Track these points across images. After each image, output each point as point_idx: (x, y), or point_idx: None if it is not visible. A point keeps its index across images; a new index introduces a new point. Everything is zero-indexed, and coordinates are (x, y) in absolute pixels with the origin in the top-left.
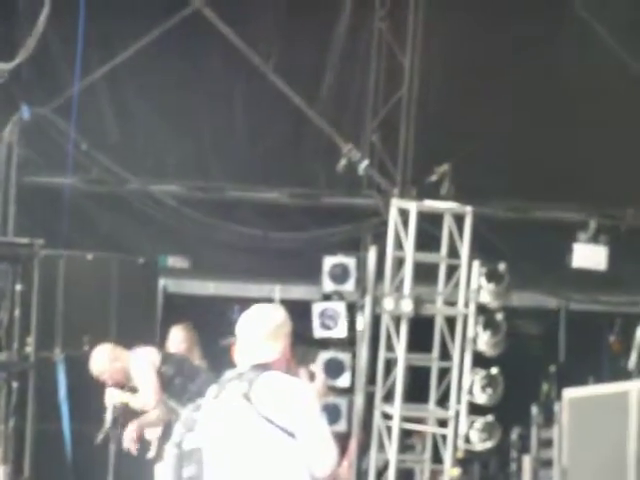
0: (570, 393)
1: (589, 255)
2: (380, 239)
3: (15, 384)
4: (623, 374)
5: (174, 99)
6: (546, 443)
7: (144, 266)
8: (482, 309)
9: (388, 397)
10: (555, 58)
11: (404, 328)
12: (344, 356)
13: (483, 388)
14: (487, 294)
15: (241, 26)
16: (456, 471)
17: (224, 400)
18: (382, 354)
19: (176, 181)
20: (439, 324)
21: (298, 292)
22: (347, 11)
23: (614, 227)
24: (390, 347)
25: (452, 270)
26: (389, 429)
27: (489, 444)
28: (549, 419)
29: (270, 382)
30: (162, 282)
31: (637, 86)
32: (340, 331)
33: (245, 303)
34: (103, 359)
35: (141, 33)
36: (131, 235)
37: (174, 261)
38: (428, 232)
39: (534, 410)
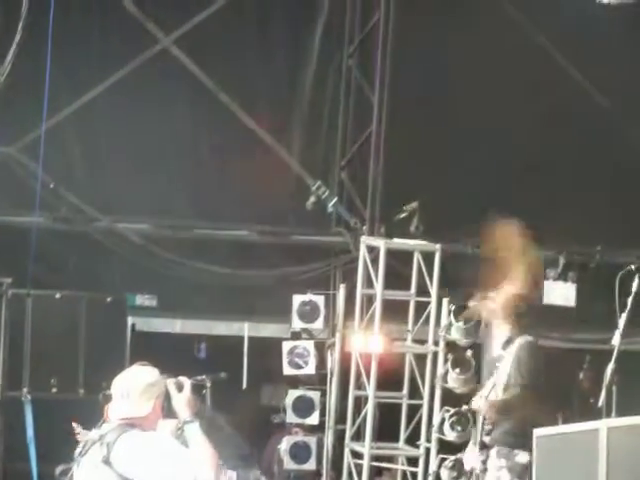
0: (539, 431)
1: (558, 292)
2: (349, 277)
3: None
4: (593, 412)
5: (142, 137)
6: None
7: (112, 304)
8: (452, 346)
9: (358, 435)
10: (525, 95)
11: (374, 366)
12: (313, 394)
13: (453, 426)
14: (457, 332)
15: (209, 65)
16: None
17: (85, 468)
18: (352, 392)
19: (144, 219)
20: (409, 362)
21: (267, 330)
22: (316, 49)
23: (583, 264)
24: (360, 385)
25: (422, 307)
26: (359, 467)
27: None
28: None
29: (128, 442)
30: (130, 320)
31: (603, 122)
32: (309, 369)
33: (214, 341)
34: None
35: (109, 72)
36: (99, 273)
37: (142, 299)
38: (397, 269)
39: None
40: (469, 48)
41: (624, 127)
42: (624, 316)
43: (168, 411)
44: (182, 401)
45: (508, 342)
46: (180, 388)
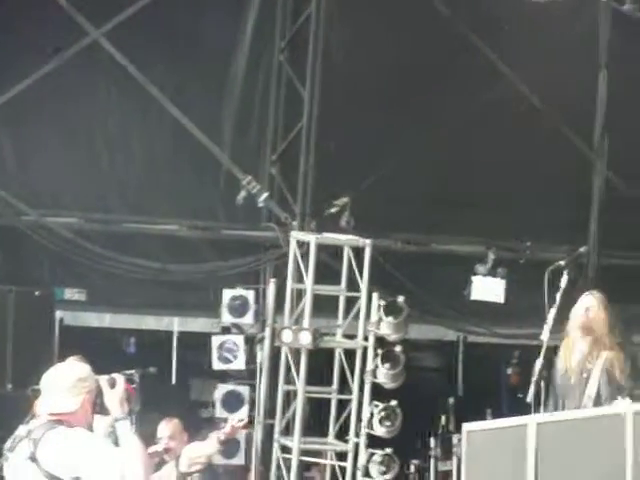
0: (468, 426)
1: (487, 288)
2: (280, 272)
3: None
4: (521, 407)
5: (72, 131)
6: (444, 476)
7: (40, 298)
8: (381, 342)
9: (287, 430)
10: (455, 90)
11: (303, 361)
12: (243, 389)
13: (382, 421)
14: (386, 327)
15: (139, 58)
16: None
17: (13, 464)
18: (281, 387)
19: (73, 213)
20: (338, 356)
21: (197, 325)
22: (247, 43)
23: (512, 260)
24: (290, 380)
25: (352, 302)
26: (288, 462)
27: (387, 477)
28: (447, 452)
29: (54, 439)
30: (59, 314)
31: (535, 119)
32: (239, 364)
33: (143, 335)
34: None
35: (39, 64)
36: (27, 267)
37: (71, 293)
38: (328, 264)
39: (432, 443)
40: (400, 43)
41: (556, 124)
42: (553, 311)
43: (101, 408)
44: (114, 398)
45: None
46: (113, 385)
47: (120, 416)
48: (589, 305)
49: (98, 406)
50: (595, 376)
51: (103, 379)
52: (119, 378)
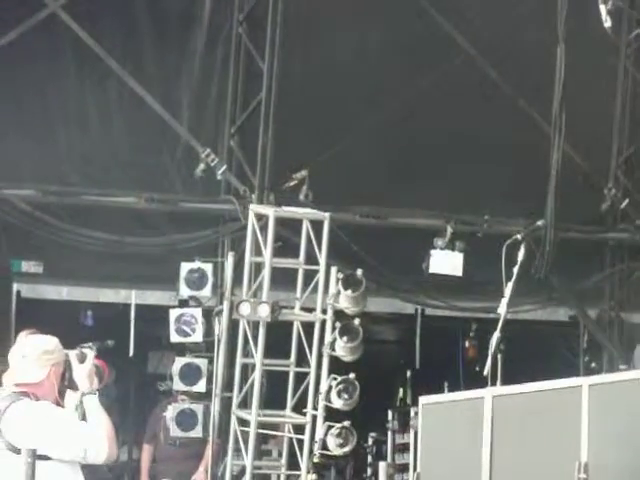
0: (425, 399)
1: (445, 261)
2: (238, 245)
3: None
4: (478, 380)
5: (29, 103)
6: (402, 449)
7: None
8: (340, 315)
9: (245, 403)
10: (417, 63)
11: (261, 334)
12: (201, 362)
13: (340, 394)
14: (345, 300)
15: (97, 30)
16: (312, 476)
17: None
18: (239, 360)
19: (30, 185)
20: (296, 330)
21: (154, 297)
22: (206, 16)
23: (471, 233)
24: (247, 353)
25: (310, 276)
26: (245, 435)
27: (345, 449)
28: (405, 425)
29: (18, 411)
30: (15, 287)
31: (492, 93)
32: (197, 337)
33: (100, 308)
34: None
35: None
36: None
37: (28, 266)
38: (286, 238)
39: (390, 416)
40: (358, 17)
41: (513, 99)
42: (510, 285)
43: (70, 382)
44: (83, 373)
45: None
46: (82, 359)
47: (87, 390)
48: None
49: (67, 380)
50: None
51: (72, 353)
52: (89, 353)
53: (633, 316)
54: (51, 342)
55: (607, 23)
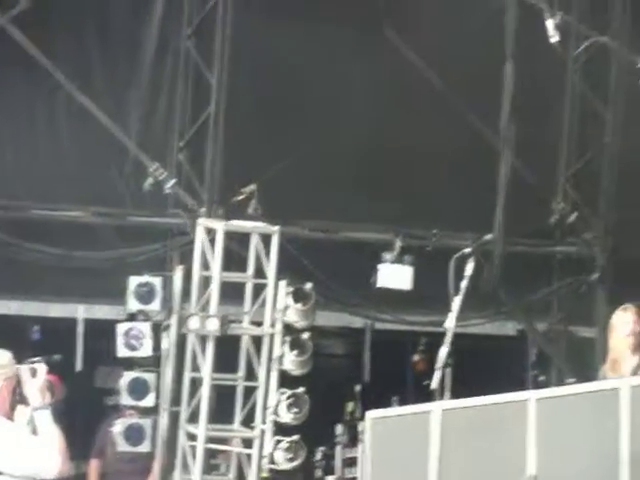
0: (373, 413)
1: (394, 275)
2: (187, 259)
3: None
4: (427, 394)
5: None
6: (350, 463)
7: None
8: (288, 329)
9: (193, 417)
10: (367, 76)
11: (210, 348)
12: (149, 376)
13: (289, 408)
14: (294, 314)
15: (46, 43)
16: None
17: None
18: (187, 374)
19: None
20: (245, 344)
21: (102, 312)
22: (154, 29)
23: (419, 247)
24: (196, 367)
25: (259, 290)
26: (194, 449)
27: (294, 464)
28: (353, 439)
29: None
30: None
31: (440, 105)
32: (145, 351)
33: (48, 323)
34: None
35: None
36: None
37: None
38: (235, 251)
39: (339, 430)
40: (306, 28)
41: (462, 111)
42: (458, 299)
43: (22, 397)
44: (35, 387)
45: None
46: (34, 374)
47: (39, 405)
48: (631, 322)
49: (18, 395)
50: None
51: (24, 368)
52: (40, 368)
53: (581, 329)
54: (4, 356)
55: (554, 38)
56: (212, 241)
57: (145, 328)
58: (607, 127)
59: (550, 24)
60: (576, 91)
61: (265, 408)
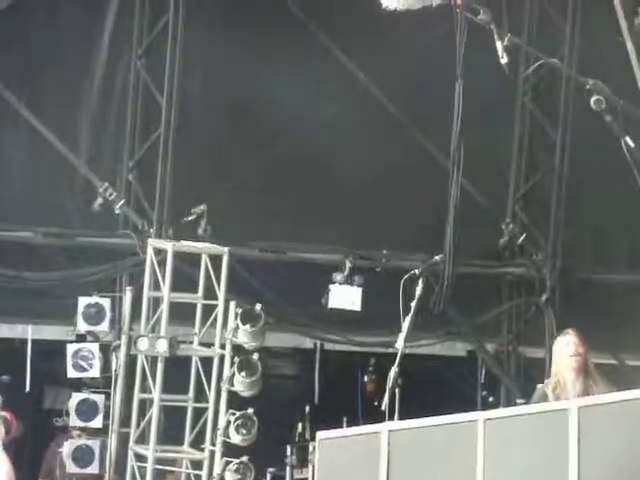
0: (322, 434)
1: (344, 295)
2: (137, 279)
3: None
4: (377, 414)
5: None
6: None
7: None
8: (238, 350)
9: (142, 438)
10: (318, 98)
11: (160, 369)
12: (98, 397)
13: (238, 429)
14: (243, 335)
15: None
16: None
17: None
18: (137, 395)
19: None
20: (195, 365)
21: (51, 332)
22: (104, 49)
23: (369, 268)
24: (145, 388)
25: (209, 310)
26: (143, 470)
27: None
28: (303, 460)
29: None
30: None
31: (390, 127)
32: (94, 372)
33: None
34: None
35: None
36: None
37: None
38: (186, 272)
39: (288, 451)
40: (257, 50)
41: (411, 133)
42: (408, 320)
43: None
44: None
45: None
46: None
47: None
48: (573, 344)
49: None
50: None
51: None
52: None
53: (530, 350)
54: None
55: (504, 59)
56: (162, 262)
57: (94, 349)
58: (556, 149)
59: (500, 46)
60: (526, 112)
61: (215, 429)
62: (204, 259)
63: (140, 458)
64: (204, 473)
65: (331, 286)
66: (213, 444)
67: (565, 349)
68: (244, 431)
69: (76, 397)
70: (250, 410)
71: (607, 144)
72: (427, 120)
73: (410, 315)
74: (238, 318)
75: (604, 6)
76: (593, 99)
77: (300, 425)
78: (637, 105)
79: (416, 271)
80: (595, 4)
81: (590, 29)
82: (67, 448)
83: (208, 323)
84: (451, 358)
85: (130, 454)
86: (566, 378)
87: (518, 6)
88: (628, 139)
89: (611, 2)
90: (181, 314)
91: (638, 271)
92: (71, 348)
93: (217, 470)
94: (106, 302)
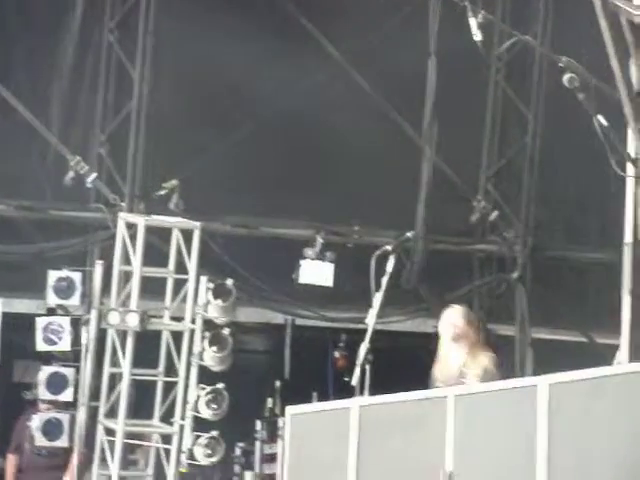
0: (292, 409)
1: (316, 271)
2: (108, 254)
3: None
4: (347, 390)
5: None
6: (270, 459)
7: None
8: (209, 324)
9: (112, 412)
10: (290, 74)
11: (130, 343)
12: (67, 371)
13: (208, 403)
14: (214, 309)
15: None
16: None
17: None
18: (107, 369)
19: None
20: (165, 339)
21: (22, 306)
22: (76, 22)
23: (341, 244)
24: (115, 362)
25: (180, 285)
26: (112, 444)
27: (212, 460)
28: (273, 435)
29: None
30: None
31: (363, 103)
32: (64, 345)
33: None
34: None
35: None
36: None
37: None
38: (157, 247)
39: (258, 426)
40: (230, 24)
41: (384, 109)
42: (379, 295)
43: None
44: None
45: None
46: None
47: None
48: (453, 316)
49: None
50: (474, 380)
51: None
52: None
53: (501, 327)
54: None
55: (477, 37)
56: (133, 236)
57: (64, 322)
58: (529, 127)
59: (473, 23)
60: (498, 90)
61: (185, 404)
62: (175, 234)
63: (109, 432)
64: (173, 447)
65: (302, 261)
66: (183, 418)
67: (444, 320)
68: (214, 406)
69: (46, 370)
70: (220, 385)
71: (580, 122)
72: (399, 97)
73: (381, 291)
74: (209, 293)
75: None
76: (566, 77)
77: (270, 400)
78: (610, 83)
79: (387, 247)
80: None
81: (563, 7)
82: (36, 421)
83: (179, 297)
84: (422, 334)
85: (99, 428)
86: (448, 348)
87: None
88: (600, 117)
89: None
90: (152, 288)
91: (609, 249)
92: (41, 321)
93: (187, 445)
94: (77, 276)
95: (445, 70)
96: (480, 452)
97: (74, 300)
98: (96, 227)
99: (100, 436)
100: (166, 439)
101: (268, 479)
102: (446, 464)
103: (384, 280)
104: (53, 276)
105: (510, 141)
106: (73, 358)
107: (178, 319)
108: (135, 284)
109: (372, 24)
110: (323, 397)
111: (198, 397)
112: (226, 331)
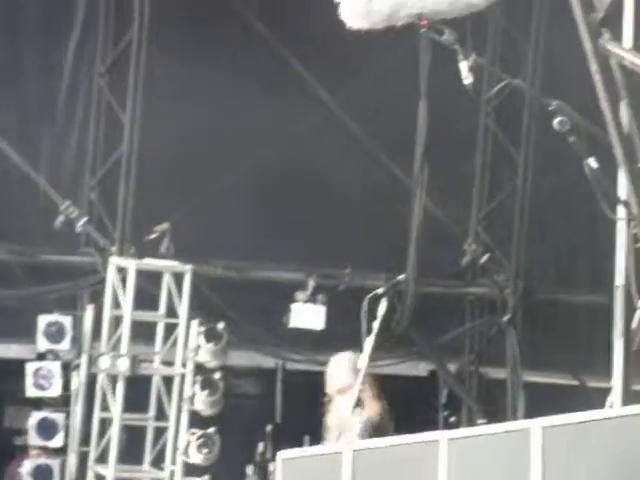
0: (284, 453)
1: (307, 315)
2: (99, 298)
3: None
4: None
5: None
6: None
7: None
8: (200, 368)
9: (102, 458)
10: (280, 117)
11: (120, 387)
12: (58, 416)
13: (199, 448)
14: (205, 353)
15: None
16: None
17: None
18: (97, 414)
19: None
20: (156, 383)
21: (11, 351)
22: (68, 66)
23: (332, 287)
24: (106, 407)
25: (171, 329)
26: None
27: None
28: None
29: None
30: None
31: (353, 146)
32: (54, 391)
33: None
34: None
35: None
36: None
37: None
38: (147, 291)
39: (249, 471)
40: (220, 67)
41: (375, 150)
42: (370, 339)
43: None
44: None
45: None
46: None
47: None
48: (336, 368)
49: None
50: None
51: None
52: None
53: (492, 371)
54: None
55: (467, 80)
56: (124, 280)
57: (54, 367)
58: (519, 170)
59: (464, 66)
60: (489, 133)
61: (175, 449)
62: (166, 277)
63: (100, 478)
64: None
65: (293, 305)
66: (174, 463)
67: (328, 371)
68: (205, 450)
69: (36, 416)
70: (211, 429)
71: (570, 165)
72: (390, 140)
73: (372, 334)
74: (200, 337)
75: (568, 27)
76: (556, 120)
77: (261, 444)
78: (601, 126)
79: (379, 290)
80: (558, 25)
81: (554, 50)
82: (26, 467)
83: (170, 342)
84: (413, 378)
85: (90, 473)
86: (335, 400)
87: (481, 27)
88: (591, 160)
89: (575, 23)
90: (143, 332)
91: (600, 293)
92: (31, 366)
93: None
94: (67, 320)
95: (436, 112)
96: None
97: (64, 345)
98: (86, 271)
99: None
100: None
101: None
102: None
103: (375, 323)
104: (43, 320)
105: (501, 184)
106: (63, 403)
107: (169, 363)
108: (126, 328)
109: (362, 67)
110: (315, 441)
111: (189, 442)
112: (217, 375)
